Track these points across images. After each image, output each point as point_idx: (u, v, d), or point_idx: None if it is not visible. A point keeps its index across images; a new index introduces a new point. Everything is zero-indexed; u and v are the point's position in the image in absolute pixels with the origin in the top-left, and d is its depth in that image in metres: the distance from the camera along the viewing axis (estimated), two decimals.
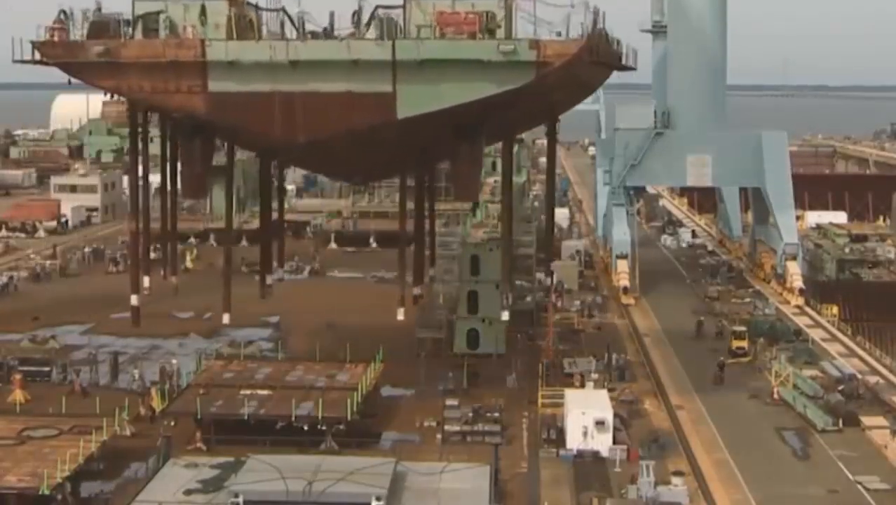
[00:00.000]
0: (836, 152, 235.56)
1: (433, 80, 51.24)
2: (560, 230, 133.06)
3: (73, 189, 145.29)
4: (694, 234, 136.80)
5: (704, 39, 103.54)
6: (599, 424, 56.64)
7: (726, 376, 70.62)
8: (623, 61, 61.64)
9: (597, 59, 54.78)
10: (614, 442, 56.55)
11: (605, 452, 56.04)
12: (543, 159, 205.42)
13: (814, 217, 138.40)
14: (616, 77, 65.61)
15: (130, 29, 53.51)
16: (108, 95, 57.60)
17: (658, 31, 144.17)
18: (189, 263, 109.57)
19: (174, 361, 70.00)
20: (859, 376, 70.78)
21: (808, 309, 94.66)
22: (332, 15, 54.45)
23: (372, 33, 53.05)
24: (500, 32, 51.94)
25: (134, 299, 61.34)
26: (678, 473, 52.29)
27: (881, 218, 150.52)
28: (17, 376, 65.68)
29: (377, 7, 53.32)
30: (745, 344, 77.52)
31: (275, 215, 70.71)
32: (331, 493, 45.11)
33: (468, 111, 52.64)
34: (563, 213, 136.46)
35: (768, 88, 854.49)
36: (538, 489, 52.46)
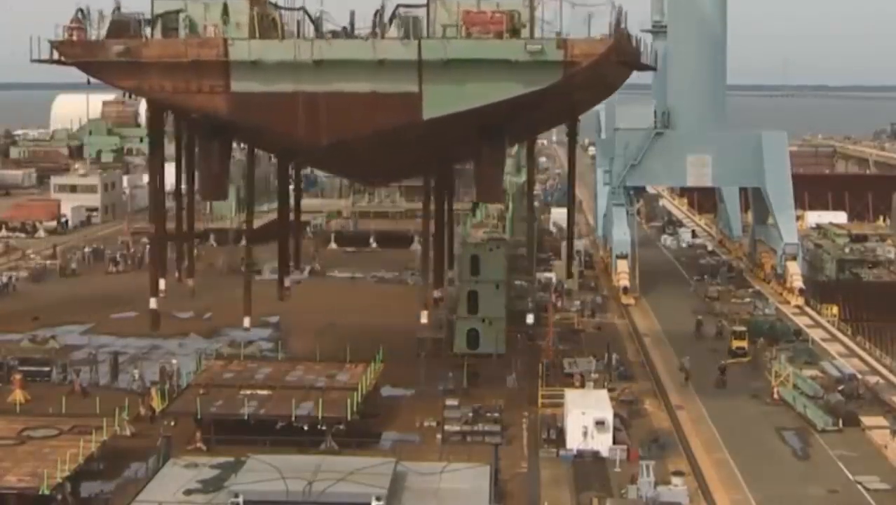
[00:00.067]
0: (836, 152, 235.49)
1: (459, 81, 50.64)
2: (560, 230, 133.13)
3: (73, 189, 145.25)
4: (694, 234, 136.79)
5: (704, 39, 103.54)
6: (599, 424, 56.63)
7: (726, 377, 70.46)
8: (643, 61, 60.65)
9: (622, 58, 54.30)
10: (614, 442, 56.54)
11: (605, 452, 56.03)
12: (543, 159, 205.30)
13: (814, 217, 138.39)
14: None
15: (150, 28, 52.82)
16: (126, 96, 57.09)
17: (658, 31, 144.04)
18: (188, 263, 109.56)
19: (174, 361, 69.99)
20: (859, 376, 70.78)
21: (808, 309, 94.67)
22: (352, 14, 53.78)
23: (393, 32, 52.29)
24: (525, 32, 51.27)
25: (153, 302, 59.92)
26: (678, 473, 52.29)
27: (881, 218, 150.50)
28: (17, 376, 65.68)
29: (398, 6, 52.62)
30: (745, 344, 77.54)
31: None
32: (331, 493, 45.10)
33: (494, 112, 52.07)
34: (563, 213, 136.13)
35: (768, 88, 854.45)
36: (538, 489, 52.46)
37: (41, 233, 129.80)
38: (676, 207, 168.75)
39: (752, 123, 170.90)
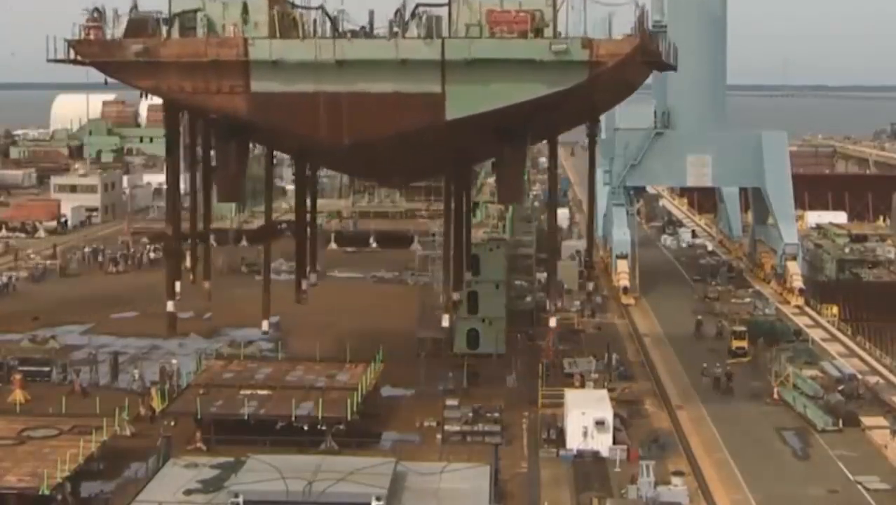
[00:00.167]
0: (836, 152, 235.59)
1: (483, 81, 49.91)
2: (560, 230, 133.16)
3: (73, 189, 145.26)
4: (694, 234, 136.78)
5: (704, 39, 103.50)
6: (599, 424, 56.64)
7: (733, 384, 70.18)
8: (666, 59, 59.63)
9: (646, 58, 53.72)
10: (614, 442, 56.55)
11: (605, 452, 56.03)
12: (543, 159, 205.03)
13: (814, 217, 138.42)
14: None
15: (167, 27, 52.19)
16: (144, 96, 56.12)
17: (658, 31, 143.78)
18: (189, 263, 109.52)
19: (174, 361, 69.97)
20: (859, 376, 70.75)
21: (808, 309, 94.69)
22: (371, 13, 53.03)
23: (412, 32, 51.62)
24: (547, 32, 50.57)
25: (170, 305, 58.60)
26: (678, 473, 52.29)
27: (881, 218, 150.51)
28: (17, 376, 65.67)
29: (418, 5, 51.90)
30: (745, 344, 77.55)
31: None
32: (331, 493, 45.11)
33: (516, 112, 51.49)
34: (563, 214, 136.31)
35: (768, 88, 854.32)
36: (538, 489, 52.46)
37: (41, 233, 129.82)
38: (676, 207, 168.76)
39: (752, 123, 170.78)
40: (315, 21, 53.53)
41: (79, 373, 68.97)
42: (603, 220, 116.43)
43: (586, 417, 56.91)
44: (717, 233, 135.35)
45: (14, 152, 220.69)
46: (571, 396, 60.41)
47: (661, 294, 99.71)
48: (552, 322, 63.19)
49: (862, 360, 78.22)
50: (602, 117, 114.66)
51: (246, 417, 57.56)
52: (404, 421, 61.95)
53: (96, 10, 52.31)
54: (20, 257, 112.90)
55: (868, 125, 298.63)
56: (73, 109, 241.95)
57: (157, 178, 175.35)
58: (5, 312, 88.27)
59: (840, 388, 67.12)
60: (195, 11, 51.80)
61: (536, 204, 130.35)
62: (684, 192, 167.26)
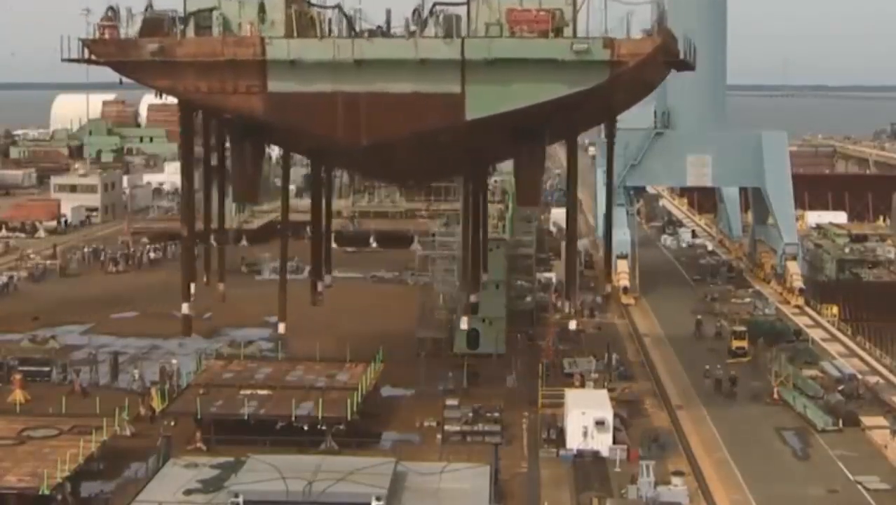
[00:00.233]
0: (836, 152, 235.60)
1: (503, 81, 49.43)
2: (560, 230, 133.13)
3: (73, 189, 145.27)
4: (694, 234, 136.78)
5: (704, 39, 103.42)
6: (599, 424, 56.62)
7: (725, 378, 70.28)
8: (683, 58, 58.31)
9: (667, 58, 53.19)
10: (614, 442, 56.53)
11: (605, 452, 56.02)
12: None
13: (814, 217, 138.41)
14: None
15: (182, 27, 51.54)
16: (158, 96, 55.36)
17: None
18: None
19: (174, 361, 69.96)
20: (859, 376, 70.77)
21: (808, 309, 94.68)
22: (388, 12, 52.59)
23: (430, 31, 51.04)
24: (567, 31, 50.11)
25: (185, 308, 58.12)
26: (678, 473, 52.26)
27: (881, 218, 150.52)
28: (17, 376, 65.67)
29: (435, 4, 51.32)
30: (745, 344, 77.55)
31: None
32: (331, 493, 45.11)
33: (537, 113, 50.96)
34: (564, 213, 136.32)
35: (768, 88, 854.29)
36: (538, 489, 52.46)
37: (41, 233, 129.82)
38: (676, 207, 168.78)
39: (752, 123, 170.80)
40: (330, 20, 53.13)
41: (79, 373, 68.97)
42: (603, 220, 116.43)
43: (586, 417, 56.90)
44: (717, 233, 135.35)
45: (14, 152, 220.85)
46: (571, 396, 60.40)
47: (661, 294, 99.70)
48: (572, 325, 62.48)
49: (862, 360, 78.20)
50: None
51: (246, 417, 57.56)
52: (404, 421, 61.94)
53: (110, 8, 51.77)
54: (21, 257, 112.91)
55: (868, 125, 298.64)
56: (73, 109, 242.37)
57: (157, 178, 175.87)
58: (5, 312, 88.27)
59: (840, 388, 67.18)
60: (211, 10, 51.29)
61: None
62: (684, 192, 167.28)
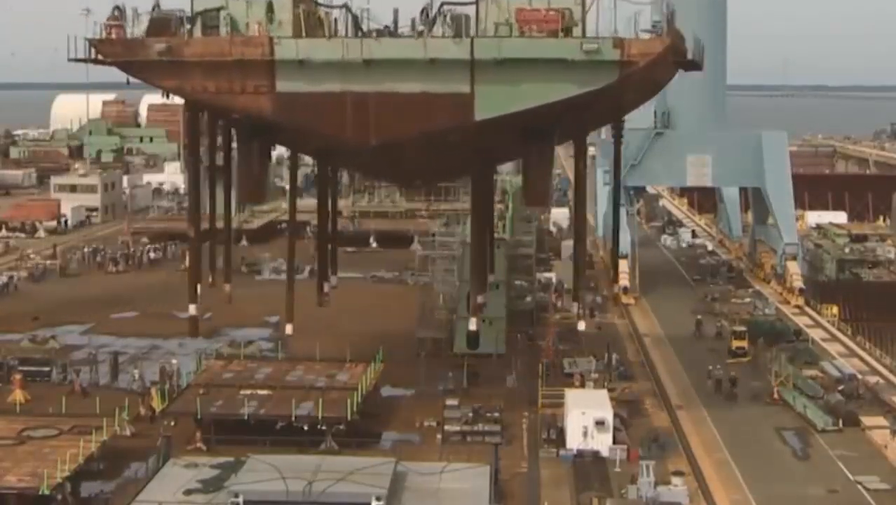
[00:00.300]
0: (836, 152, 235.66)
1: (512, 81, 49.19)
2: (560, 230, 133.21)
3: (73, 189, 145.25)
4: (694, 234, 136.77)
5: (704, 39, 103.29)
6: (599, 424, 56.62)
7: (724, 378, 70.24)
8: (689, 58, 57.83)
9: (677, 57, 52.97)
10: (614, 442, 56.53)
11: (605, 452, 56.02)
12: None
13: (814, 217, 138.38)
14: None
15: (189, 26, 51.35)
16: (165, 96, 55.01)
17: (658, 31, 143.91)
18: (187, 264, 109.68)
19: (174, 361, 69.95)
20: (859, 376, 70.76)
21: (808, 309, 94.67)
22: (395, 12, 52.24)
23: (438, 31, 50.80)
24: (576, 31, 49.86)
25: (192, 309, 57.99)
26: (678, 473, 52.26)
27: (881, 218, 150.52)
28: (17, 376, 65.66)
29: (443, 3, 51.06)
30: (745, 344, 77.55)
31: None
32: (331, 493, 45.11)
33: (546, 113, 50.72)
34: (563, 214, 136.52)
35: (768, 88, 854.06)
36: (538, 489, 52.46)
37: (41, 233, 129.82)
38: (676, 207, 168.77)
39: (752, 123, 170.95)
40: (335, 20, 52.98)
41: (79, 373, 68.97)
42: (603, 221, 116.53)
43: (586, 417, 56.90)
44: (717, 233, 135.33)
45: (14, 152, 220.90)
46: (571, 396, 60.40)
47: (661, 294, 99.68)
48: (581, 325, 62.19)
49: (862, 360, 78.19)
50: None
51: (246, 417, 57.55)
52: (404, 421, 61.94)
53: (116, 8, 51.52)
54: (21, 257, 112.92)
55: (868, 125, 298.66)
56: (73, 109, 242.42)
57: (157, 178, 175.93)
58: (5, 312, 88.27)
59: (840, 388, 67.16)
60: (218, 10, 51.03)
61: None
62: (684, 192, 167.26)
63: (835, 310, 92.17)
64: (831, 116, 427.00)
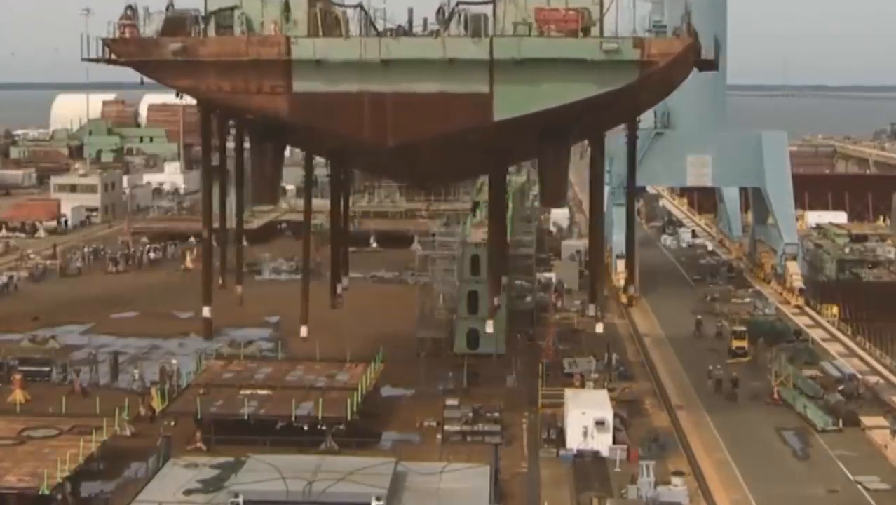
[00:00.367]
0: (836, 152, 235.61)
1: (531, 81, 48.89)
2: (560, 230, 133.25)
3: (73, 189, 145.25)
4: (694, 234, 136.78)
5: (704, 39, 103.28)
6: (599, 424, 56.63)
7: (724, 378, 70.22)
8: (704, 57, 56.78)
9: (698, 57, 52.61)
10: (614, 442, 56.55)
11: (605, 452, 56.04)
12: None
13: (814, 217, 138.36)
14: None
15: (203, 26, 50.87)
16: (179, 96, 54.82)
17: (659, 31, 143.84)
18: (189, 264, 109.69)
19: (174, 361, 69.99)
20: (859, 376, 70.77)
21: (808, 309, 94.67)
22: (410, 12, 51.86)
23: (454, 30, 50.46)
24: (594, 30, 49.63)
25: (206, 311, 57.64)
26: (678, 473, 52.26)
27: (881, 218, 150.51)
28: (17, 376, 65.68)
29: (458, 2, 50.70)
30: (745, 344, 77.56)
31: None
32: (331, 493, 45.10)
33: (567, 113, 50.40)
34: (563, 214, 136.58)
35: (768, 88, 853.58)
36: (538, 489, 52.46)
37: (41, 233, 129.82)
38: (676, 207, 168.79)
39: (752, 123, 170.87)
40: (348, 20, 52.61)
41: (79, 373, 68.98)
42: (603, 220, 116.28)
43: (586, 417, 56.91)
44: (717, 233, 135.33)
45: (14, 152, 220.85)
46: (571, 396, 60.40)
47: (661, 294, 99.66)
48: (599, 328, 61.27)
49: (862, 360, 78.20)
50: None
51: (246, 417, 57.57)
52: (404, 421, 61.95)
53: (129, 7, 51.14)
54: (21, 257, 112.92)
55: (868, 125, 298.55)
56: (73, 109, 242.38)
57: (157, 178, 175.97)
58: (5, 312, 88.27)
59: (840, 388, 67.12)
60: (232, 9, 50.65)
61: (536, 204, 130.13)
62: (684, 192, 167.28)
63: (835, 310, 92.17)
64: (831, 116, 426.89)
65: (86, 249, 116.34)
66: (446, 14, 50.82)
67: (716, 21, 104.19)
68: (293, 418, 57.01)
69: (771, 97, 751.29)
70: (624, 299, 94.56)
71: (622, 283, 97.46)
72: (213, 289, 59.16)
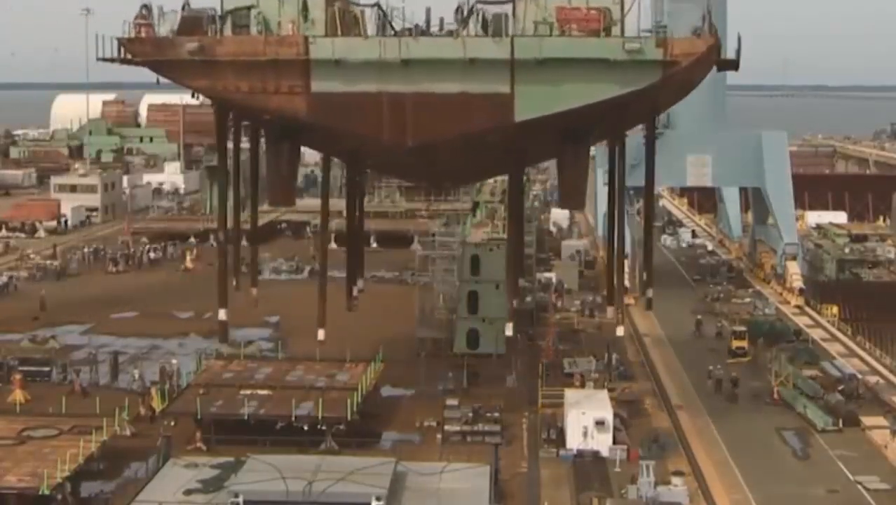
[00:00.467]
0: (836, 152, 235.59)
1: (553, 81, 48.43)
2: (560, 230, 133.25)
3: (73, 189, 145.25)
4: (694, 234, 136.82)
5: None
6: (599, 424, 56.63)
7: (724, 378, 70.22)
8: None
9: (718, 57, 52.05)
10: (614, 442, 56.54)
11: (605, 452, 56.03)
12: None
13: (814, 217, 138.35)
14: None
15: (219, 25, 50.42)
16: (195, 97, 54.18)
17: (659, 31, 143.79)
18: (189, 264, 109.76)
19: (174, 361, 69.97)
20: (859, 376, 70.76)
21: (808, 309, 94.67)
22: (428, 11, 51.34)
23: (472, 30, 50.07)
24: (615, 30, 49.18)
25: (222, 314, 56.99)
26: (678, 473, 52.26)
27: (881, 218, 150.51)
28: (17, 376, 65.66)
29: (477, 1, 50.28)
30: (745, 344, 77.57)
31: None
32: (331, 493, 45.10)
33: (588, 113, 50.06)
34: (563, 214, 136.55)
35: (768, 88, 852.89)
36: (538, 489, 52.46)
37: (41, 233, 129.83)
38: (676, 207, 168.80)
39: (752, 123, 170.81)
40: (365, 20, 52.32)
41: (79, 373, 68.97)
42: (603, 220, 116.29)
43: (586, 417, 56.91)
44: (717, 233, 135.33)
45: (14, 152, 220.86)
46: (571, 395, 60.40)
47: (661, 294, 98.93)
48: (619, 331, 59.87)
49: (862, 360, 78.20)
50: None
51: (246, 417, 57.56)
52: (404, 421, 61.94)
53: (145, 6, 50.79)
54: (21, 257, 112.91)
55: (868, 125, 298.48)
56: (73, 109, 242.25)
57: (157, 178, 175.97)
58: (5, 312, 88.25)
59: (840, 388, 67.11)
60: (249, 8, 50.18)
61: (536, 204, 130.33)
62: (684, 192, 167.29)
63: (835, 310, 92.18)
64: (831, 116, 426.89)
65: (86, 249, 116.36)
66: (464, 13, 50.44)
67: (716, 21, 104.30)
68: (293, 418, 57.00)
69: (771, 97, 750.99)
70: (631, 300, 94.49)
71: (625, 283, 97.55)
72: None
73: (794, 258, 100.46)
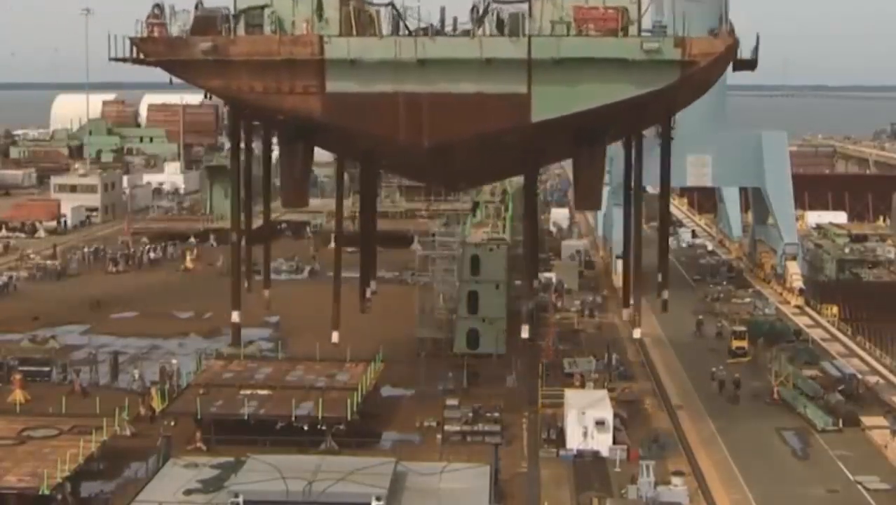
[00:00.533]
0: (836, 152, 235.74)
1: (570, 81, 48.06)
2: (560, 230, 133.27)
3: (73, 189, 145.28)
4: (694, 234, 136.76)
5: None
6: (599, 424, 56.64)
7: (727, 379, 70.20)
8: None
9: (735, 57, 51.57)
10: (614, 442, 56.54)
11: (605, 452, 56.03)
12: None
13: (814, 217, 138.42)
14: None
15: (232, 24, 50.01)
16: (207, 97, 53.55)
17: (658, 30, 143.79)
18: (189, 264, 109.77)
19: (174, 361, 69.98)
20: (859, 376, 70.73)
21: (808, 309, 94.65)
22: (442, 11, 50.84)
23: (487, 29, 49.71)
24: (632, 30, 48.92)
25: (235, 316, 56.24)
26: (678, 473, 52.26)
27: (881, 218, 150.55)
28: (17, 376, 65.67)
29: (492, 1, 49.87)
30: (745, 344, 77.56)
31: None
32: (331, 493, 45.10)
33: (606, 113, 49.72)
34: (563, 214, 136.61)
35: (768, 88, 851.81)
36: (538, 489, 52.45)
37: (41, 233, 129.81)
38: (676, 207, 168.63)
39: (752, 123, 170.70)
40: (373, 19, 52.04)
41: (79, 373, 68.98)
42: (603, 220, 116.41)
43: (586, 417, 56.91)
44: (717, 233, 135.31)
45: (14, 152, 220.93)
46: (571, 396, 60.39)
47: None
48: (636, 333, 59.51)
49: (862, 360, 78.19)
50: None
51: (246, 417, 57.56)
52: (404, 421, 61.95)
53: (157, 6, 50.46)
54: (21, 257, 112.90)
55: (868, 125, 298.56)
56: (73, 109, 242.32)
57: (157, 178, 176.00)
58: (5, 312, 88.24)
59: (840, 388, 67.09)
60: (262, 8, 49.84)
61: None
62: (684, 192, 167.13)
63: (835, 310, 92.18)
64: (831, 116, 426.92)
65: (86, 249, 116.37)
66: (480, 13, 50.15)
67: (715, 21, 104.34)
68: (293, 418, 57.00)
69: (771, 97, 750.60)
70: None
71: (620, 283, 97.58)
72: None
73: (794, 258, 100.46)
